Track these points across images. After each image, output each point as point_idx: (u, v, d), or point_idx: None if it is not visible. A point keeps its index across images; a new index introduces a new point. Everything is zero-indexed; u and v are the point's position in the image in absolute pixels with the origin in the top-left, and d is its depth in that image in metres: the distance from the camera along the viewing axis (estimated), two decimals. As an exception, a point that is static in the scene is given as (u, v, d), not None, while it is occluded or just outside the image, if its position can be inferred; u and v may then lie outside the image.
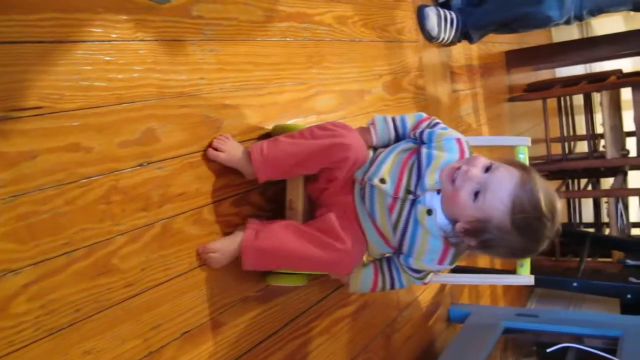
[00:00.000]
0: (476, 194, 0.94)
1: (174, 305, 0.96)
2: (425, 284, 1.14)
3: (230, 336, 1.07)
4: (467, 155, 1.03)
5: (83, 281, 0.82)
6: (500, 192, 0.92)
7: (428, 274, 1.10)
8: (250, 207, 1.13)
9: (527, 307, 2.83)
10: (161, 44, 0.97)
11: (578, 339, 1.67)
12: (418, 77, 1.87)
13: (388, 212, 1.03)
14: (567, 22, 1.94)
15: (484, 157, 0.97)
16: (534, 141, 3.35)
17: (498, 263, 2.40)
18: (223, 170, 1.07)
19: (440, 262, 1.03)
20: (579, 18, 1.91)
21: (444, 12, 1.96)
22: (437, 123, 1.10)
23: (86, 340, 0.82)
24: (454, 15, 1.99)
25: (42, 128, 0.78)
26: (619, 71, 3.01)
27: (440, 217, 0.99)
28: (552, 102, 3.09)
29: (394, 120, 1.13)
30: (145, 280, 0.91)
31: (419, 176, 1.01)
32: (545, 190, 0.93)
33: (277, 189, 1.19)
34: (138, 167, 0.91)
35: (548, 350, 1.65)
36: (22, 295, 0.75)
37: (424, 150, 1.03)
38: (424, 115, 1.13)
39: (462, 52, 2.32)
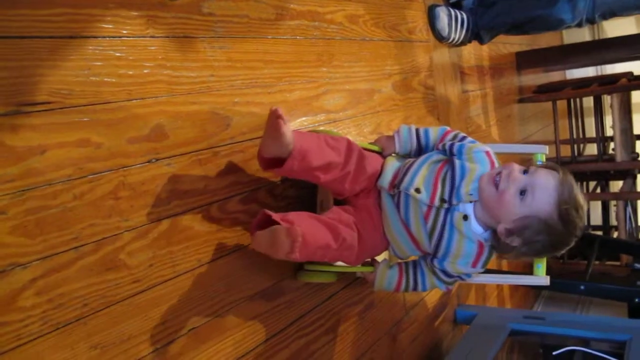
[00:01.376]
0: (522, 193, 1.01)
1: (181, 302, 0.96)
2: (449, 289, 1.18)
3: (236, 333, 1.07)
4: (497, 165, 1.09)
5: (91, 276, 0.82)
6: (548, 187, 1.00)
7: (456, 280, 1.15)
8: (258, 204, 1.13)
9: (534, 309, 2.83)
10: (172, 40, 0.97)
11: (585, 342, 1.66)
12: (428, 77, 1.86)
13: (423, 220, 1.08)
14: (579, 25, 1.92)
15: (518, 165, 1.04)
16: (543, 143, 3.35)
17: (504, 265, 2.39)
18: (231, 168, 1.07)
19: (474, 264, 1.09)
20: (591, 21, 1.90)
21: (455, 12, 1.95)
22: (465, 137, 1.15)
23: (93, 335, 0.82)
24: (464, 16, 1.98)
25: (52, 123, 0.78)
26: (630, 73, 2.99)
27: (474, 224, 1.06)
28: (562, 104, 3.08)
29: (417, 131, 1.19)
30: (152, 277, 0.91)
31: (453, 186, 1.06)
32: (576, 186, 1.02)
33: (285, 186, 1.19)
34: (147, 163, 0.91)
35: (554, 353, 1.64)
36: (30, 289, 0.75)
37: (457, 162, 1.08)
38: (448, 127, 1.19)
39: (473, 53, 2.31)
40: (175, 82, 0.97)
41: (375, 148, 1.20)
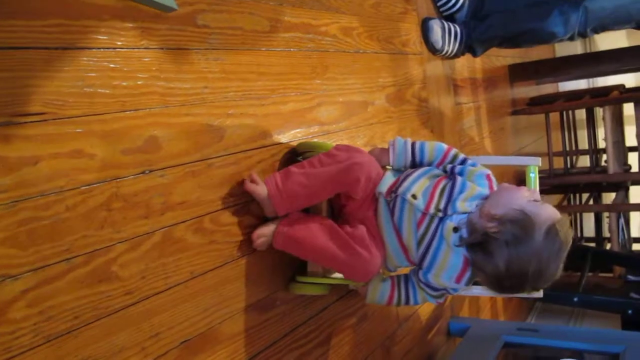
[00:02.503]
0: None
1: (173, 314, 0.95)
2: (439, 303, 1.19)
3: (229, 346, 1.06)
4: (495, 188, 1.12)
5: (82, 288, 0.82)
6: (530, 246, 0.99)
7: (444, 293, 1.15)
8: (251, 216, 1.12)
9: (527, 321, 2.82)
10: (166, 52, 0.97)
11: (578, 354, 1.66)
12: (421, 89, 1.87)
13: (416, 226, 1.10)
14: (571, 39, 1.95)
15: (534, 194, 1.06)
16: (536, 155, 3.36)
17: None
18: (225, 180, 1.07)
19: (458, 280, 1.09)
20: (583, 35, 1.92)
21: (449, 25, 1.97)
22: (465, 159, 1.18)
23: (84, 348, 0.82)
24: (458, 29, 2.00)
25: (45, 134, 0.78)
26: (622, 86, 3.01)
27: (464, 235, 1.06)
28: (554, 116, 3.10)
29: (413, 145, 1.20)
30: (144, 289, 0.91)
31: (450, 198, 1.09)
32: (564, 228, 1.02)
33: (279, 198, 1.19)
34: (140, 175, 0.91)
35: (548, 365, 1.64)
36: (21, 301, 0.74)
37: (459, 178, 1.12)
38: (445, 146, 1.20)
39: (466, 65, 2.32)
40: (169, 93, 0.97)
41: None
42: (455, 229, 1.06)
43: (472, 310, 2.18)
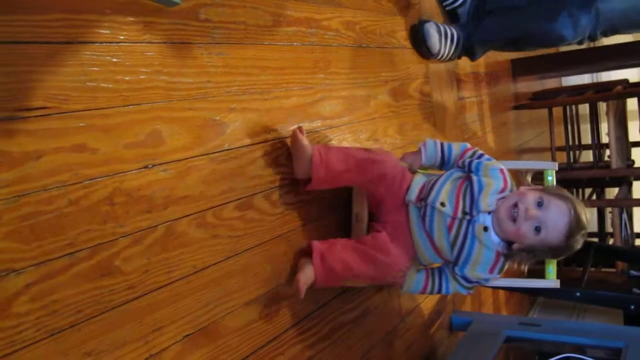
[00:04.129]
0: (537, 229, 1.14)
1: (176, 308, 0.96)
2: (470, 294, 1.33)
3: (231, 340, 1.07)
4: (509, 181, 1.23)
5: (85, 282, 0.82)
6: (559, 226, 1.14)
7: (475, 285, 1.28)
8: (255, 211, 1.12)
9: (529, 316, 2.82)
10: (169, 46, 0.97)
11: (580, 349, 1.66)
12: (424, 84, 1.87)
13: (447, 230, 1.21)
14: (580, 42, 1.82)
15: (532, 192, 1.17)
16: (539, 150, 3.36)
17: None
18: (227, 174, 1.07)
19: (491, 270, 1.22)
20: (593, 38, 1.79)
21: (445, 28, 1.86)
22: (482, 154, 1.29)
23: (87, 342, 0.82)
24: (454, 31, 1.89)
25: (48, 128, 0.78)
26: (625, 81, 3.00)
27: (493, 235, 1.19)
28: (557, 111, 3.09)
29: (442, 145, 1.33)
30: (147, 283, 0.91)
31: (472, 199, 1.20)
32: (582, 207, 1.17)
33: (282, 192, 1.19)
34: (143, 169, 0.91)
35: (550, 360, 1.64)
36: (24, 296, 0.75)
37: (474, 177, 1.22)
38: (468, 145, 1.33)
39: (468, 60, 2.32)
40: (172, 88, 0.97)
41: (404, 164, 1.33)
42: (485, 229, 1.18)
43: (474, 305, 2.18)
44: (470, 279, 1.25)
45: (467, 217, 1.19)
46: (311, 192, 1.26)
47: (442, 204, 1.21)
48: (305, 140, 1.16)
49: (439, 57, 1.86)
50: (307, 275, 1.14)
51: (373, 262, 1.19)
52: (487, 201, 1.18)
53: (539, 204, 1.15)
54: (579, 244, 1.18)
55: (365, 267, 1.19)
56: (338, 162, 1.18)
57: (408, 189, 1.26)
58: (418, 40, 1.80)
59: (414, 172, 1.31)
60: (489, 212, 1.19)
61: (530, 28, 1.81)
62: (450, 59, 1.95)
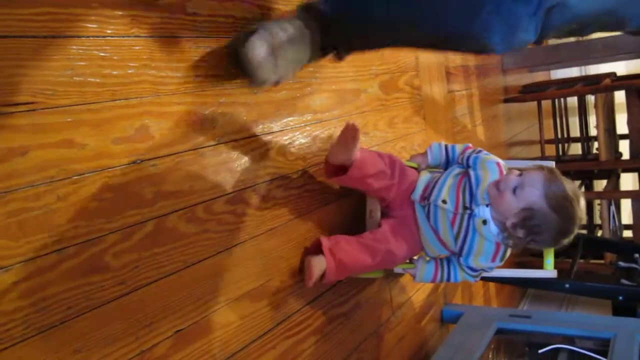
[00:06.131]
0: (515, 190, 1.19)
1: (166, 303, 0.95)
2: (476, 281, 1.40)
3: (222, 335, 1.06)
4: (505, 174, 1.28)
5: (74, 279, 0.81)
6: (534, 183, 1.18)
7: (480, 273, 1.35)
8: (245, 205, 1.12)
9: (520, 308, 2.84)
10: (156, 40, 0.96)
11: (570, 340, 1.68)
12: (414, 77, 1.87)
13: (450, 225, 1.29)
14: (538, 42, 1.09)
15: (514, 171, 1.24)
16: (528, 142, 3.37)
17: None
18: (217, 169, 1.06)
19: (493, 260, 1.30)
20: (542, 39, 1.08)
21: (280, 31, 1.07)
22: (480, 150, 1.36)
23: (77, 339, 0.81)
24: (299, 30, 1.09)
25: (35, 124, 0.77)
26: (613, 74, 3.02)
27: (492, 226, 1.25)
28: (546, 104, 3.10)
29: (446, 146, 1.42)
30: (137, 279, 0.90)
31: (472, 194, 1.27)
32: (567, 181, 1.19)
33: (272, 186, 1.19)
34: (132, 164, 0.90)
35: (540, 351, 1.65)
36: (12, 293, 0.74)
37: (472, 173, 1.29)
38: (470, 144, 1.40)
39: (454, 56, 2.32)
40: (160, 82, 0.96)
41: (414, 165, 1.42)
42: (485, 222, 1.25)
43: (465, 297, 2.19)
44: (475, 268, 1.33)
45: (468, 211, 1.27)
46: (300, 187, 1.26)
47: (444, 202, 1.28)
48: (357, 140, 1.19)
49: (273, 81, 1.10)
50: (320, 264, 1.20)
51: (374, 252, 1.27)
52: (483, 194, 1.25)
53: (519, 175, 1.22)
54: (567, 210, 1.16)
55: (369, 258, 1.26)
56: (371, 167, 1.26)
57: (414, 188, 1.34)
58: (241, 65, 1.05)
59: (421, 171, 1.39)
60: (487, 205, 1.25)
61: (432, 28, 1.06)
62: (297, 68, 1.16)
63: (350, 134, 1.17)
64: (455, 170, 1.35)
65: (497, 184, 1.23)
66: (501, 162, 1.32)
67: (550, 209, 1.16)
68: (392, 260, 1.32)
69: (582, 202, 1.20)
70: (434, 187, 1.32)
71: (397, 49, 1.62)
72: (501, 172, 1.28)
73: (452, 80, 2.21)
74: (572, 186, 1.19)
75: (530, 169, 1.23)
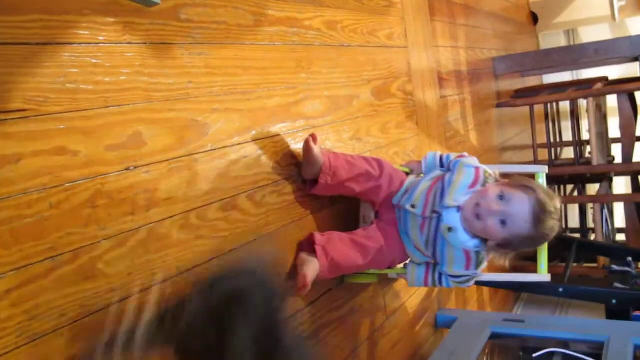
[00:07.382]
0: (503, 222, 1.15)
1: (160, 310, 0.95)
2: (469, 286, 1.34)
3: (216, 342, 1.06)
4: (481, 177, 1.24)
5: (68, 286, 0.81)
6: (523, 215, 1.14)
7: (469, 278, 1.29)
8: (238, 211, 1.12)
9: (514, 312, 2.85)
10: (149, 47, 0.96)
11: (564, 344, 1.68)
12: (407, 82, 1.88)
13: (420, 230, 1.25)
14: None
15: (492, 188, 1.18)
16: (521, 147, 3.38)
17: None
18: (210, 175, 1.06)
19: (467, 267, 1.24)
20: None
21: None
22: (470, 157, 1.32)
23: (70, 347, 0.81)
24: None
25: (27, 131, 0.77)
26: (605, 78, 3.04)
27: (462, 234, 1.20)
28: (539, 108, 3.11)
29: (441, 155, 1.38)
30: (131, 286, 0.90)
31: (441, 198, 1.22)
32: (546, 193, 1.16)
33: (265, 192, 1.19)
34: (124, 171, 0.90)
35: (534, 355, 1.66)
36: (5, 301, 0.74)
37: (447, 176, 1.26)
38: (466, 153, 1.36)
39: (451, 59, 2.33)
40: (153, 89, 0.96)
41: (407, 170, 1.40)
42: (450, 229, 1.19)
43: (459, 302, 2.19)
44: (455, 275, 1.28)
45: (435, 215, 1.22)
46: (294, 193, 1.26)
47: (413, 206, 1.25)
48: (317, 149, 1.19)
49: None
50: (314, 268, 1.16)
51: (366, 251, 1.24)
52: (452, 196, 1.20)
53: (501, 198, 1.16)
54: (552, 229, 1.17)
55: (360, 257, 1.23)
56: (344, 172, 1.22)
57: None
58: None
59: (409, 175, 1.37)
60: (458, 209, 1.20)
61: None
62: None
63: (305, 147, 1.19)
64: (433, 174, 1.32)
65: (474, 212, 1.18)
66: (481, 168, 1.27)
67: (539, 232, 1.16)
68: (382, 260, 1.29)
69: (558, 202, 1.19)
70: (413, 191, 1.29)
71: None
72: (476, 175, 1.24)
73: (444, 86, 2.22)
74: (548, 196, 1.17)
75: (513, 192, 1.16)
